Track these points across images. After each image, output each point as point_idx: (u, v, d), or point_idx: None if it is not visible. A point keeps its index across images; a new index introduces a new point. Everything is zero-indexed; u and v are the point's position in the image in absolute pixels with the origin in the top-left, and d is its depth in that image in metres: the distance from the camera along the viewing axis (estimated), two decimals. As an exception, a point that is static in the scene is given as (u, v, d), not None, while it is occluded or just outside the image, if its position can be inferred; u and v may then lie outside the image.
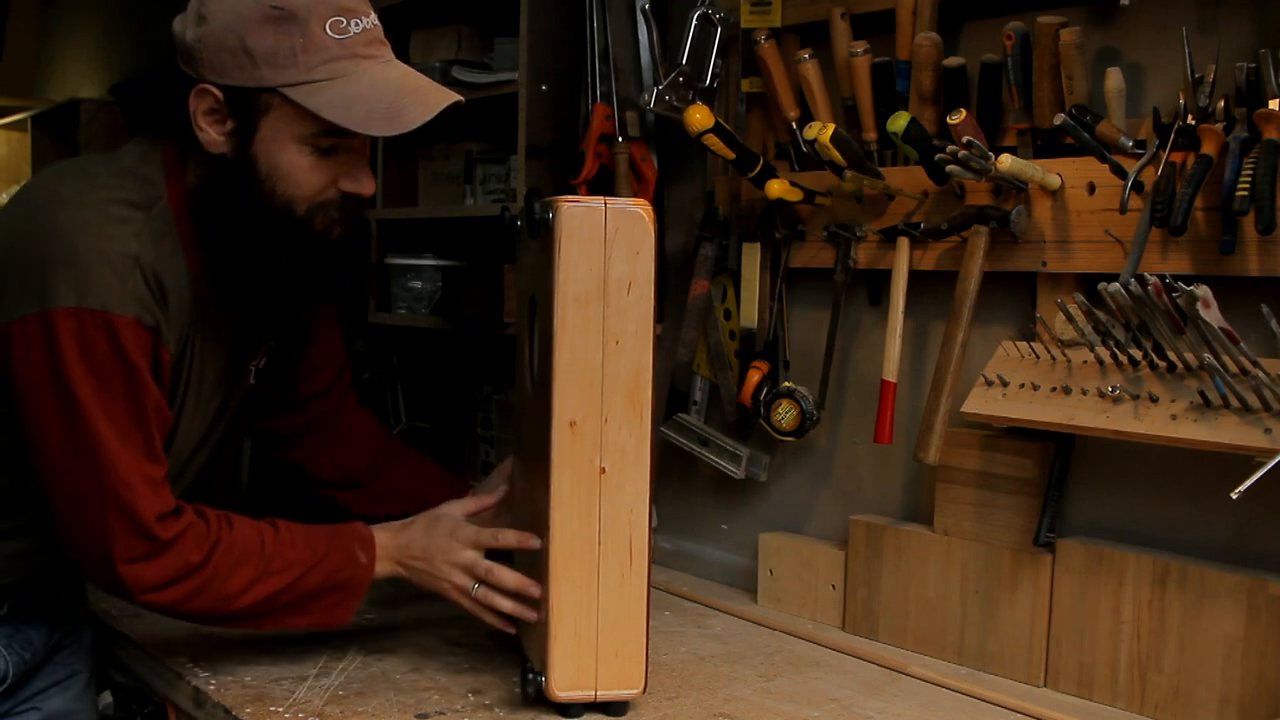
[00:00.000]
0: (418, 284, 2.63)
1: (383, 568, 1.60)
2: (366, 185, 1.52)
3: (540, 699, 1.49)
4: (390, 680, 1.60)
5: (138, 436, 1.45)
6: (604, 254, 1.44)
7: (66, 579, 1.69)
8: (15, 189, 5.49)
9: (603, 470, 1.47)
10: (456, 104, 1.48)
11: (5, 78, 6.05)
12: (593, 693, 1.48)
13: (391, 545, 1.60)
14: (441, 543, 1.59)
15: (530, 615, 1.53)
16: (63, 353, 1.40)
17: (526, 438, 1.62)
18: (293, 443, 1.88)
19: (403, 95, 1.45)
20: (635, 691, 1.50)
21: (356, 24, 1.45)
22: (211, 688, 1.57)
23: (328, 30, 1.42)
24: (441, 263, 2.61)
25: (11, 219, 1.50)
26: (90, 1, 5.65)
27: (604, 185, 2.20)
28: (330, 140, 1.46)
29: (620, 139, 2.20)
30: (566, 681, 1.47)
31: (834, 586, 1.95)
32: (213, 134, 1.47)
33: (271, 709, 1.50)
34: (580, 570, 1.47)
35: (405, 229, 2.67)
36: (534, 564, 1.54)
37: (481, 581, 1.58)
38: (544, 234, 1.46)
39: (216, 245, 1.52)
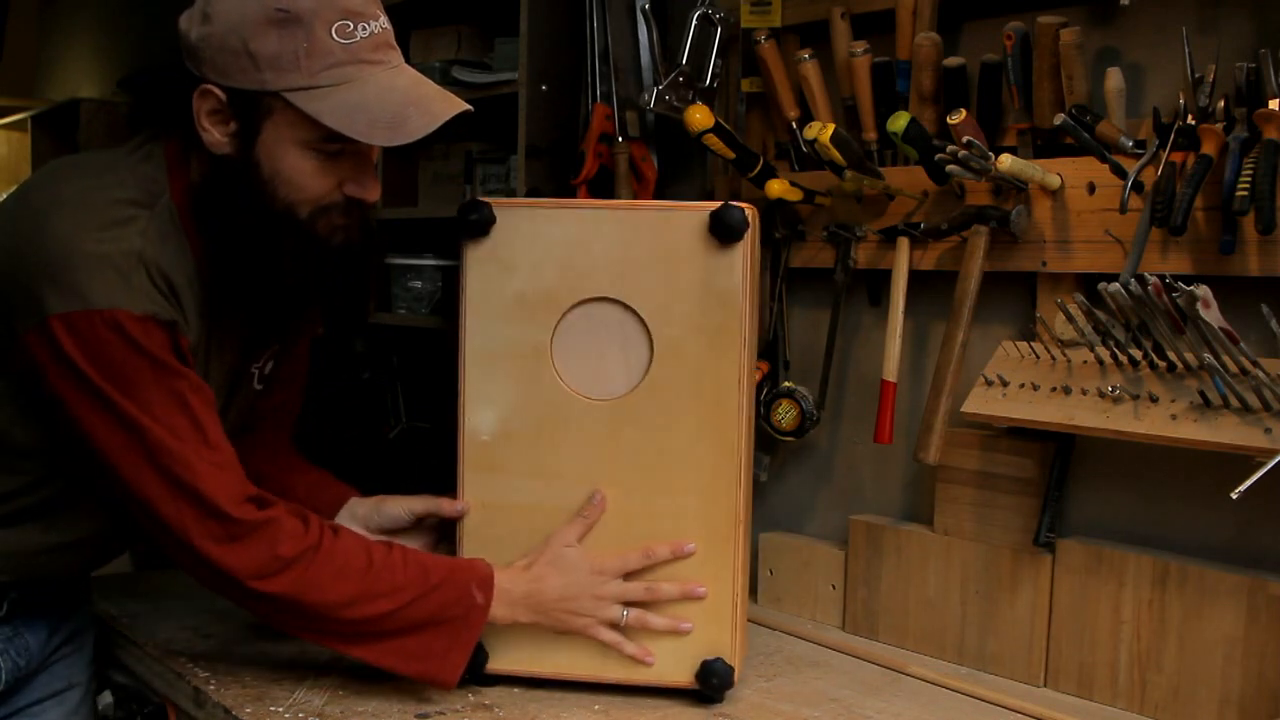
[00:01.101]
0: (418, 284, 2.63)
1: (505, 613, 1.52)
2: (371, 191, 1.49)
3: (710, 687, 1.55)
4: (390, 680, 1.60)
5: (182, 422, 1.42)
6: (757, 252, 1.61)
7: (68, 577, 1.68)
8: (15, 189, 5.53)
9: (747, 450, 1.59)
10: (464, 111, 1.46)
11: (5, 78, 6.05)
12: (736, 666, 1.58)
13: (518, 591, 1.52)
14: (584, 579, 1.52)
15: (686, 628, 1.54)
16: (74, 358, 1.38)
17: (594, 451, 1.57)
18: None
19: (407, 105, 1.42)
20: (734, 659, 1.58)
21: (364, 28, 1.42)
22: (211, 688, 1.57)
23: (333, 35, 1.40)
24: (441, 263, 2.61)
25: (12, 223, 1.47)
26: (90, 1, 5.65)
27: (604, 185, 2.20)
28: (335, 145, 1.44)
29: (620, 139, 2.20)
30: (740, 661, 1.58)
31: (834, 586, 1.95)
32: (216, 134, 1.45)
33: (271, 709, 1.50)
34: (740, 545, 1.57)
35: (405, 229, 2.67)
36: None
37: (635, 605, 1.54)
38: (741, 239, 1.53)
39: (218, 244, 1.50)
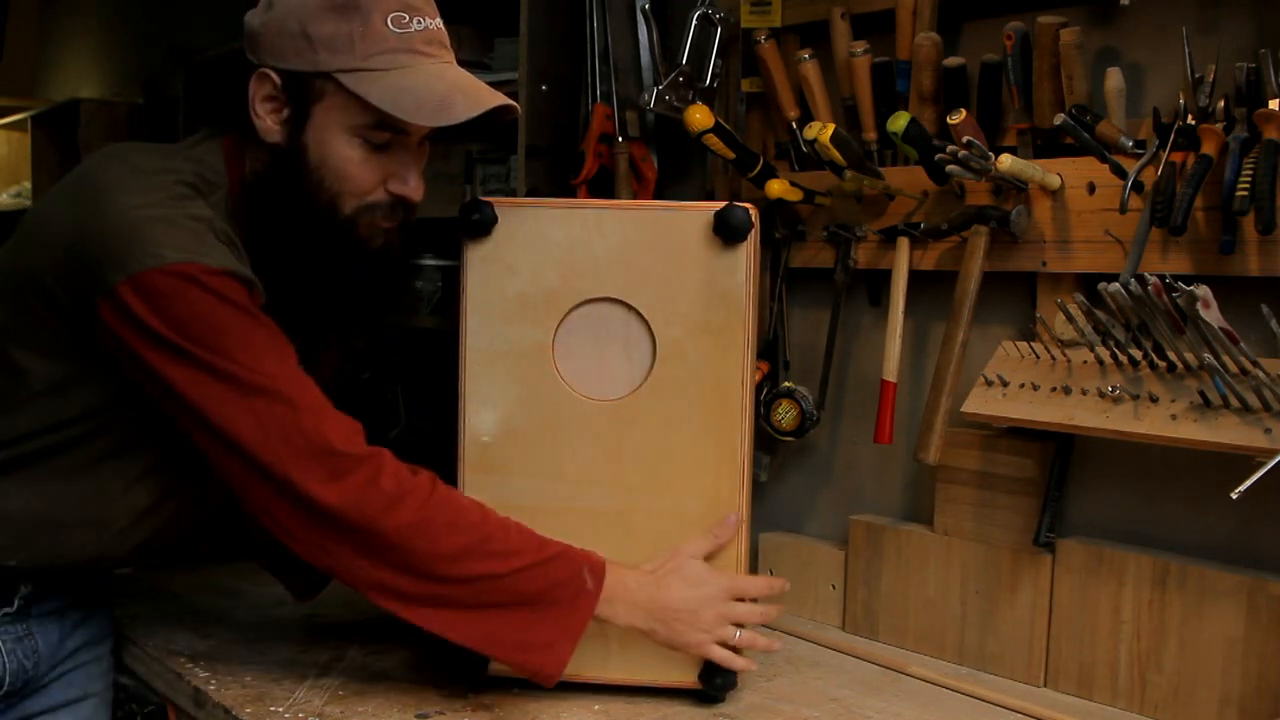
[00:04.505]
0: (418, 284, 2.63)
1: (623, 613, 1.48)
2: (415, 189, 1.50)
3: (708, 696, 1.57)
4: (390, 680, 1.60)
5: (274, 366, 1.40)
6: (756, 252, 1.58)
7: (88, 567, 1.63)
8: (16, 189, 5.52)
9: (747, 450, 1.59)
10: (509, 108, 1.48)
11: (5, 78, 6.05)
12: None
13: (642, 594, 1.48)
14: (714, 594, 1.51)
15: (779, 647, 1.62)
16: (155, 318, 1.36)
17: (595, 451, 1.57)
18: None
19: (455, 91, 1.45)
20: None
21: (419, 22, 1.46)
22: (211, 688, 1.57)
23: (388, 24, 1.44)
24: (441, 263, 2.61)
25: (75, 202, 1.46)
26: (90, 1, 5.65)
27: (604, 185, 2.20)
28: (383, 135, 1.46)
29: (620, 139, 2.20)
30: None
31: (834, 586, 1.95)
32: (269, 121, 1.48)
33: (271, 709, 1.50)
34: (742, 546, 1.58)
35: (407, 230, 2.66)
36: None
37: (748, 625, 1.53)
38: (745, 239, 1.53)
39: (264, 237, 1.50)
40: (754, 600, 1.57)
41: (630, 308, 1.56)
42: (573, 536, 1.49)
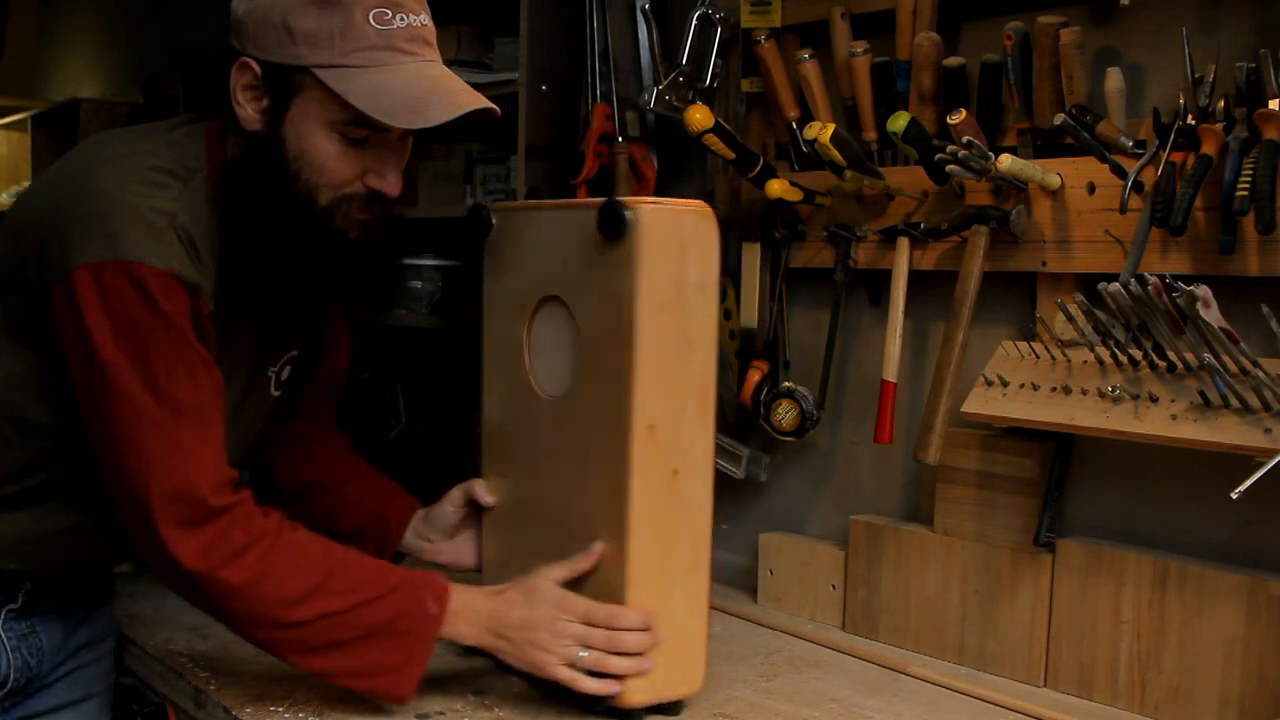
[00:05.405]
0: (418, 284, 2.63)
1: (467, 631, 1.49)
2: (392, 185, 1.49)
3: (612, 711, 1.48)
4: (390, 680, 1.60)
5: (179, 394, 1.40)
6: (683, 256, 1.45)
7: (87, 567, 1.65)
8: (15, 189, 5.52)
9: (675, 472, 1.46)
10: (489, 111, 1.47)
11: (5, 78, 6.06)
12: (664, 694, 1.48)
13: (483, 610, 1.49)
14: (547, 612, 1.48)
15: (647, 668, 1.45)
16: (89, 309, 1.37)
17: (544, 446, 1.57)
18: (268, 449, 1.82)
19: (432, 93, 1.44)
20: (695, 690, 1.51)
21: (402, 19, 1.44)
22: (211, 688, 1.57)
23: (370, 20, 1.42)
24: (441, 263, 2.61)
25: (54, 182, 1.49)
26: (90, 1, 5.65)
27: (604, 185, 2.20)
28: (360, 131, 1.45)
29: (620, 139, 2.20)
30: (641, 686, 1.46)
31: (834, 586, 1.95)
32: (249, 110, 1.47)
33: (271, 709, 1.50)
34: (656, 573, 1.46)
35: (405, 229, 2.66)
36: (595, 577, 1.50)
37: (595, 649, 1.48)
38: (624, 232, 1.43)
39: (240, 224, 1.49)
40: (609, 627, 1.48)
41: (567, 306, 1.53)
42: (533, 527, 1.57)
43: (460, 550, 1.73)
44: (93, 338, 1.38)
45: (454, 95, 1.45)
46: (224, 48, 1.51)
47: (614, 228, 1.43)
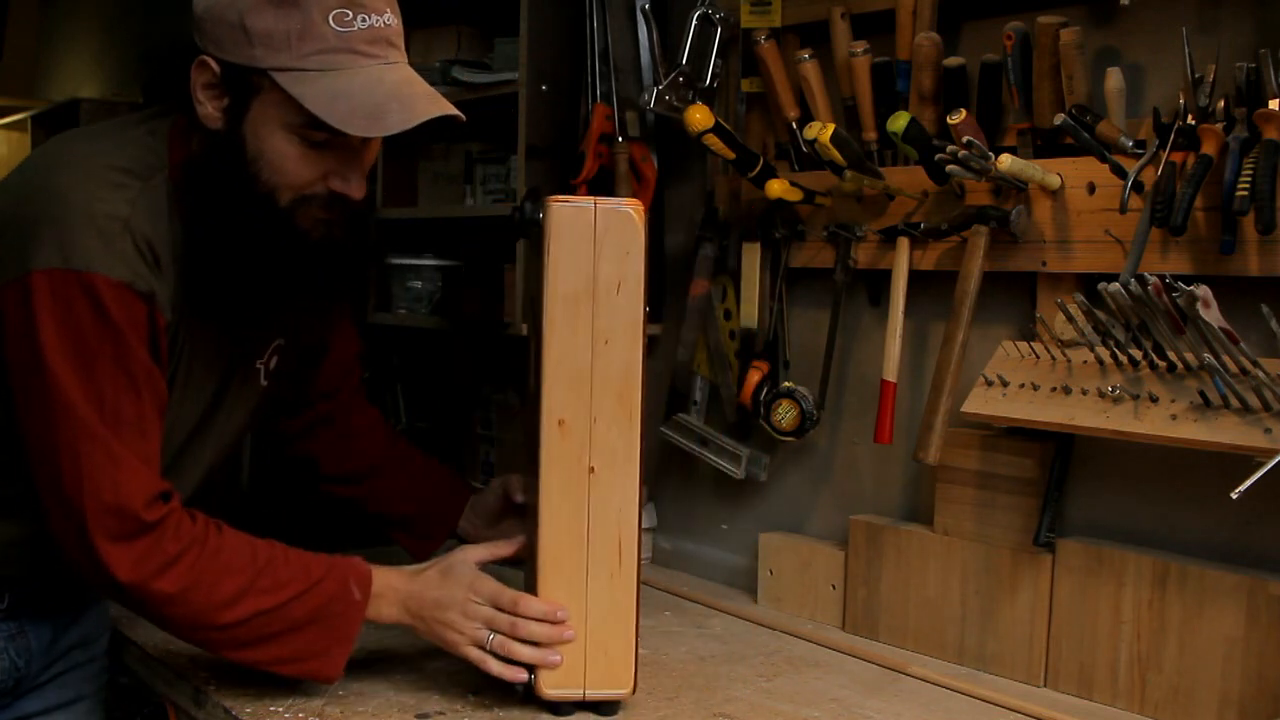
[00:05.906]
0: (418, 284, 2.63)
1: (388, 611, 1.53)
2: (354, 188, 1.46)
3: (530, 697, 1.50)
4: (390, 680, 1.60)
5: (122, 407, 1.40)
6: (593, 253, 1.46)
7: (69, 575, 1.66)
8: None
9: (591, 469, 1.48)
10: (453, 117, 1.44)
11: (5, 78, 6.05)
12: (581, 692, 1.49)
13: (402, 590, 1.53)
14: (459, 594, 1.52)
15: (555, 660, 1.48)
16: (40, 316, 1.36)
17: (528, 439, 1.61)
18: (304, 438, 1.86)
19: (391, 99, 1.40)
20: (624, 692, 1.50)
21: (363, 20, 1.40)
22: (211, 688, 1.57)
23: (329, 21, 1.39)
24: (441, 263, 2.61)
25: (16, 182, 1.48)
26: (90, 1, 5.65)
27: (604, 185, 2.20)
28: (320, 134, 1.41)
29: (620, 139, 2.20)
30: (555, 680, 1.48)
31: (834, 586, 1.95)
32: (210, 108, 1.45)
33: (271, 709, 1.50)
34: (568, 569, 1.48)
35: (405, 229, 2.67)
36: (527, 568, 1.54)
37: (501, 633, 1.51)
38: (535, 233, 1.46)
39: (200, 222, 1.47)
40: (520, 615, 1.51)
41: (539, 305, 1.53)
42: (530, 523, 1.57)
43: (502, 537, 1.74)
44: (41, 346, 1.37)
45: (413, 102, 1.42)
46: (186, 43, 1.49)
47: (523, 225, 1.48)
